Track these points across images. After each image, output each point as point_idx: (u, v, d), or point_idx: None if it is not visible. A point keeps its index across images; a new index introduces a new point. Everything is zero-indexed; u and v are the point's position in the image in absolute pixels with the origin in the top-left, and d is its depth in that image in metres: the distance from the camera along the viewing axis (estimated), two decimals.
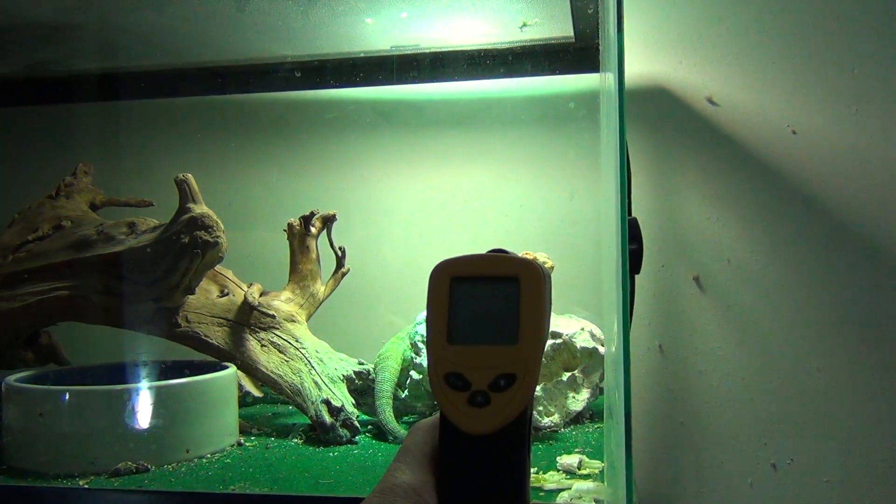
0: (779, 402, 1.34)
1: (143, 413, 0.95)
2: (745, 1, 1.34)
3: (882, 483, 1.30)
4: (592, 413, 1.20)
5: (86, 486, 0.89)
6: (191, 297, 1.16)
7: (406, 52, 1.34)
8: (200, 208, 1.07)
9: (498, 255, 0.46)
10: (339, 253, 1.27)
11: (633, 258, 1.10)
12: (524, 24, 1.23)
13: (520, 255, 1.23)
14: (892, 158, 1.30)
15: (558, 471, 0.92)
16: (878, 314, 1.30)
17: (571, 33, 1.26)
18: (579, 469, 0.92)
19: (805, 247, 1.33)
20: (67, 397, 0.95)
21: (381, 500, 0.43)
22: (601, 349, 1.18)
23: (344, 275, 1.28)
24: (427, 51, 1.33)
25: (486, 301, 0.45)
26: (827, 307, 1.32)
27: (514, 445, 0.43)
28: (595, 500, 0.80)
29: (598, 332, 1.20)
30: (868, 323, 1.30)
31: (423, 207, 1.47)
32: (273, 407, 1.30)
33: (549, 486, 0.86)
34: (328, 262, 1.28)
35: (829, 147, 1.32)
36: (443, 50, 1.34)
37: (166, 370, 1.14)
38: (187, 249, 1.06)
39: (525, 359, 0.43)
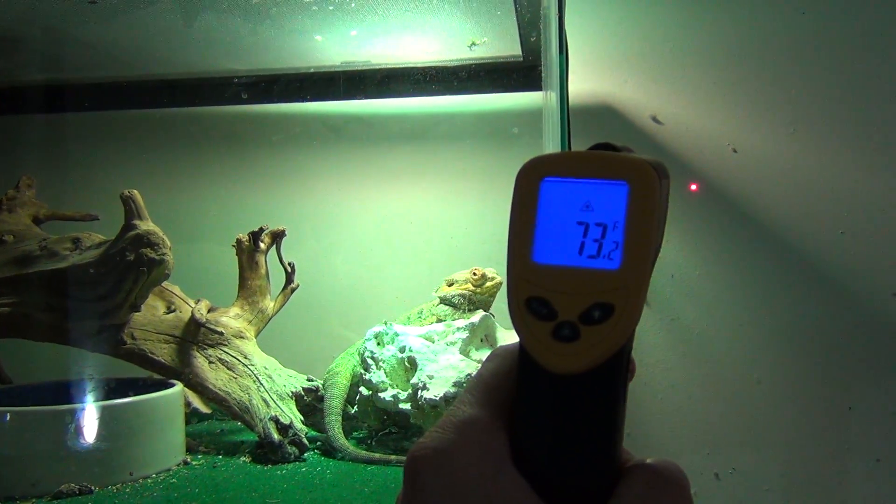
0: (721, 412, 1.37)
1: (87, 434, 0.94)
2: (688, 23, 1.38)
3: (822, 491, 1.34)
4: None
5: None
6: (136, 314, 1.15)
7: (356, 69, 1.34)
8: (146, 225, 1.06)
9: (604, 154, 0.37)
10: (289, 269, 1.27)
11: None
12: (473, 44, 1.25)
13: (464, 273, 1.24)
14: (828, 176, 1.35)
15: None
16: (813, 326, 1.34)
17: (520, 52, 1.29)
18: None
19: (744, 262, 1.37)
20: (8, 418, 0.93)
21: (440, 436, 0.36)
22: None
23: (293, 290, 1.28)
24: (377, 67, 1.34)
25: (585, 211, 0.37)
26: (766, 320, 1.36)
27: (607, 389, 0.36)
28: None
29: None
30: (805, 334, 1.35)
31: (374, 221, 1.47)
32: (221, 423, 1.29)
33: None
34: (278, 278, 1.28)
35: (768, 165, 1.37)
36: (393, 67, 1.35)
37: (112, 388, 1.13)
38: (133, 267, 1.05)
39: (627, 285, 0.35)
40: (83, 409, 0.95)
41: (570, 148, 1.16)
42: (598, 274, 0.36)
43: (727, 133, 1.38)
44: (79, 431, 0.93)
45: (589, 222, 0.36)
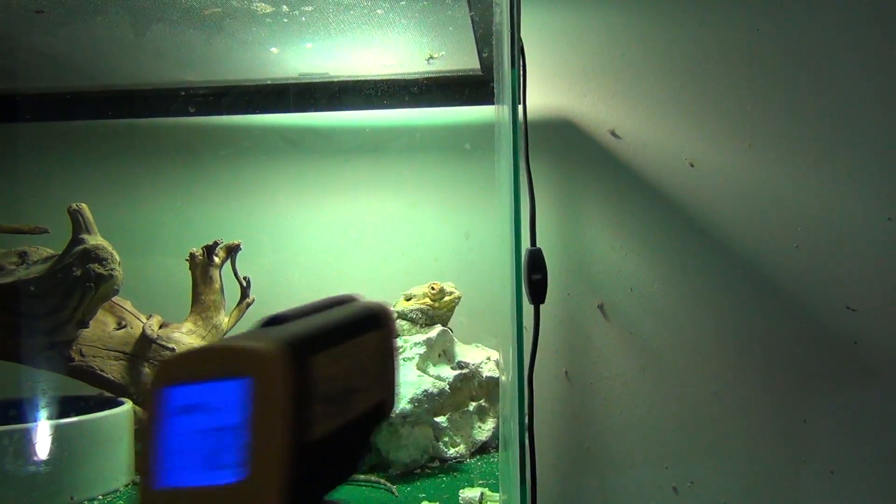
0: (679, 426, 1.38)
1: (26, 455, 0.91)
2: (646, 37, 1.39)
3: (779, 502, 1.35)
4: (498, 443, 1.21)
5: None
6: (86, 330, 1.12)
7: (313, 81, 1.33)
8: (95, 239, 1.04)
9: (224, 347, 0.32)
10: (244, 283, 1.25)
11: (538, 287, 1.12)
12: (430, 57, 1.24)
13: (422, 287, 1.23)
14: (784, 191, 1.36)
15: None
16: (769, 338, 1.36)
17: (478, 66, 1.28)
18: (481, 502, 0.92)
19: (701, 275, 1.38)
20: None
21: None
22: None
23: (249, 305, 1.26)
24: (335, 80, 1.33)
25: (204, 417, 0.31)
26: (723, 333, 1.37)
27: None
28: None
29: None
30: (761, 347, 1.36)
31: (333, 234, 1.46)
32: None
33: None
34: (233, 293, 1.26)
35: (725, 179, 1.38)
36: (351, 79, 1.34)
37: (58, 407, 1.10)
38: (80, 282, 1.02)
39: (258, 498, 0.29)
40: (23, 429, 0.92)
41: (527, 162, 1.16)
42: (220, 492, 0.30)
43: (685, 147, 1.39)
44: (17, 453, 0.90)
45: (209, 429, 0.31)
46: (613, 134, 1.40)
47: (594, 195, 1.40)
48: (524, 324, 0.85)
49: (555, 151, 1.40)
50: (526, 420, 0.77)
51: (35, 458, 0.91)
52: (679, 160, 1.39)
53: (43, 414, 1.07)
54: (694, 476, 1.37)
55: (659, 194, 1.39)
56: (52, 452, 0.93)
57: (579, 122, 1.40)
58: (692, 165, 1.38)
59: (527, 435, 0.77)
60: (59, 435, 0.94)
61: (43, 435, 0.93)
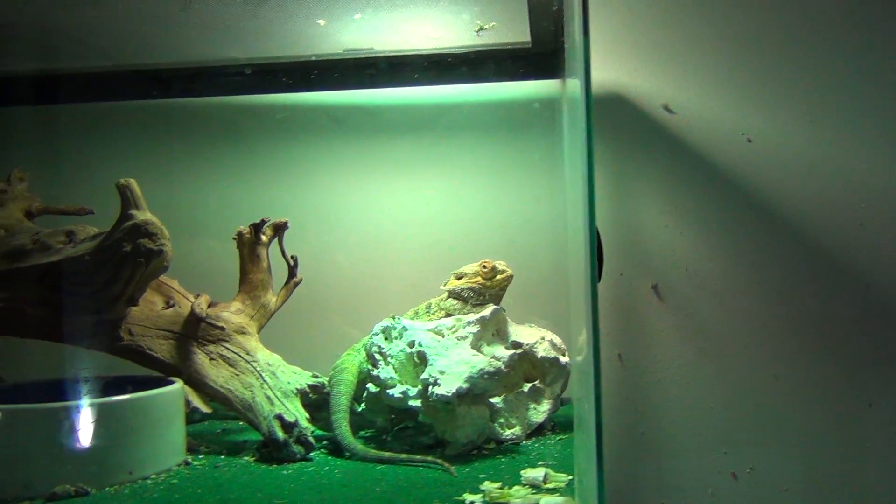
0: (738, 410, 1.33)
1: (83, 432, 0.89)
2: (701, 9, 1.34)
3: (842, 490, 1.30)
4: (554, 424, 1.17)
5: None
6: (134, 308, 1.10)
7: (360, 56, 1.30)
8: (144, 215, 1.01)
9: None
10: (291, 262, 1.23)
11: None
12: (480, 28, 1.21)
13: (473, 266, 1.19)
14: (844, 165, 1.31)
15: (524, 485, 0.89)
16: (833, 319, 1.31)
17: (528, 38, 1.25)
18: (545, 483, 0.89)
19: (761, 254, 1.33)
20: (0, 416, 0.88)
21: None
22: (562, 359, 1.16)
23: (296, 284, 1.23)
24: (381, 54, 1.30)
25: None
26: (783, 314, 1.32)
27: None
28: None
29: (558, 341, 1.18)
30: (824, 328, 1.31)
31: (379, 215, 1.43)
32: (222, 423, 1.25)
33: (516, 501, 0.83)
34: (280, 272, 1.24)
35: (783, 154, 1.33)
36: (398, 54, 1.30)
37: (108, 386, 1.08)
38: (130, 258, 1.00)
39: None
40: (79, 406, 0.91)
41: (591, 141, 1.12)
42: None
43: (741, 122, 1.34)
44: (74, 430, 0.89)
45: None
46: (667, 109, 1.35)
47: (647, 172, 1.36)
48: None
49: (606, 128, 1.36)
50: (602, 403, 0.73)
51: (91, 436, 0.90)
52: (736, 135, 1.34)
53: (94, 393, 1.05)
54: (754, 462, 1.33)
55: (715, 171, 1.35)
56: (107, 430, 0.91)
57: (631, 97, 1.36)
58: (749, 140, 1.34)
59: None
60: (114, 412, 0.92)
61: (99, 412, 0.91)
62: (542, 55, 1.27)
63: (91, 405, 0.92)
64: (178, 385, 1.04)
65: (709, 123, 1.34)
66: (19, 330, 1.11)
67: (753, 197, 1.34)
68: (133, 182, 1.03)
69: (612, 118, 1.35)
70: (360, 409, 1.12)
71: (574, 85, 0.97)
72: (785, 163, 1.33)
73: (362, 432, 1.14)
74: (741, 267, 1.34)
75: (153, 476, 0.95)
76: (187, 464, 1.01)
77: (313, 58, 1.31)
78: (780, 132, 1.33)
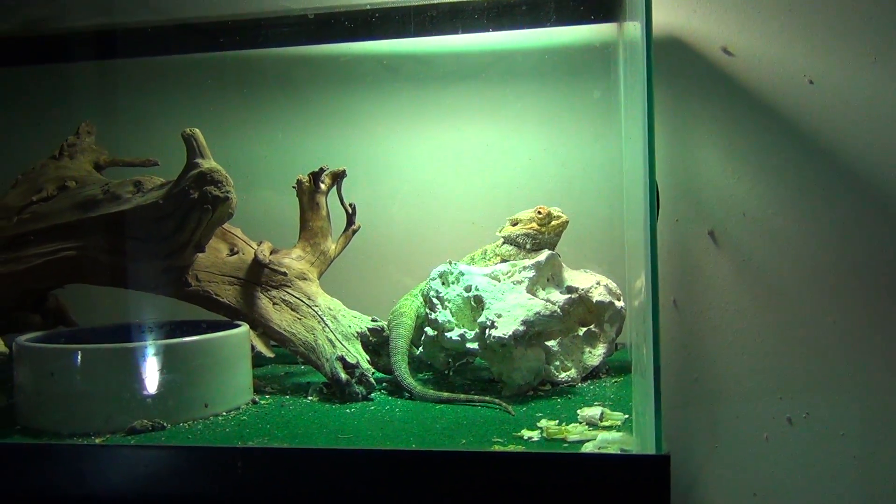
0: (794, 355, 1.33)
1: (159, 371, 0.93)
2: None
3: None
4: (609, 368, 1.19)
5: (101, 444, 0.87)
6: (200, 255, 1.14)
7: (413, 4, 1.30)
8: (209, 163, 1.04)
9: None
10: (350, 210, 1.25)
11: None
12: None
13: (528, 212, 1.19)
14: None
15: (580, 423, 0.91)
16: (893, 265, 1.28)
17: None
18: (601, 421, 0.91)
19: (821, 199, 1.31)
20: (80, 356, 0.93)
21: None
22: (617, 303, 1.17)
23: (355, 232, 1.26)
24: (435, 1, 1.30)
25: None
26: (843, 260, 1.31)
27: None
28: (622, 450, 0.78)
29: (613, 286, 1.19)
30: (884, 275, 1.29)
31: (432, 164, 1.44)
32: (285, 367, 1.29)
33: (573, 437, 0.85)
34: (338, 220, 1.26)
35: (847, 97, 1.30)
36: (449, 0, 1.30)
37: (175, 330, 1.13)
38: (197, 205, 1.03)
39: None
40: (155, 346, 0.95)
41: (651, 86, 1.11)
42: None
43: (803, 64, 1.31)
44: (150, 368, 0.93)
45: None
46: (725, 51, 1.33)
47: (704, 116, 1.34)
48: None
49: (663, 71, 1.34)
50: (665, 348, 0.75)
51: (166, 374, 0.94)
52: (797, 77, 1.31)
53: (167, 335, 1.10)
54: (810, 407, 1.32)
55: (774, 114, 1.32)
56: (181, 369, 0.95)
57: (689, 40, 1.34)
58: (811, 82, 1.31)
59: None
60: (187, 352, 0.97)
61: (172, 352, 0.96)
62: None
63: (167, 345, 0.96)
64: (245, 327, 1.08)
65: (769, 65, 1.32)
66: (92, 277, 1.16)
67: (814, 141, 1.31)
68: (197, 131, 1.06)
69: (670, 61, 1.33)
70: (418, 353, 1.15)
71: (632, 28, 0.96)
72: (848, 105, 1.30)
73: (420, 374, 1.17)
74: (800, 212, 1.32)
75: (223, 413, 0.99)
76: (255, 403, 1.05)
77: (367, 6, 1.31)
78: (844, 73, 1.30)
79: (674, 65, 1.33)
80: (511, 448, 0.81)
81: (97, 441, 0.88)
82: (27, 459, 0.85)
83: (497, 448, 0.81)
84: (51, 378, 0.93)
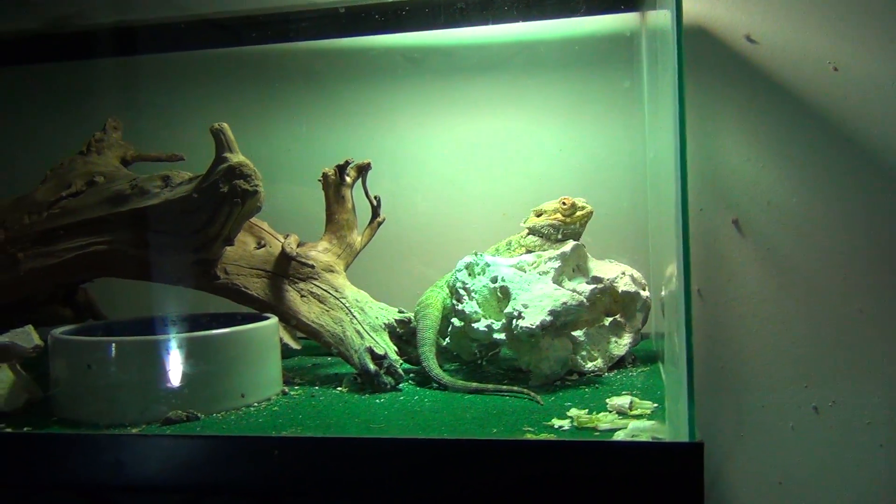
0: (820, 344, 1.32)
1: (193, 362, 0.95)
2: None
3: None
4: (635, 357, 1.19)
5: (138, 433, 0.89)
6: (228, 249, 1.15)
7: None
8: (238, 157, 1.05)
9: None
10: (375, 202, 1.26)
11: None
12: None
13: (553, 203, 1.20)
14: None
15: (610, 412, 0.91)
16: None
17: None
18: (631, 410, 0.91)
19: (846, 187, 1.30)
20: (117, 348, 0.94)
21: None
22: (643, 293, 1.17)
23: (380, 224, 1.27)
24: None
25: None
26: (868, 247, 1.30)
27: None
28: (654, 437, 0.79)
29: (638, 276, 1.19)
30: None
31: (455, 156, 1.45)
32: (312, 359, 1.30)
33: (604, 425, 0.86)
34: (362, 213, 1.27)
35: (872, 84, 1.29)
36: None
37: (204, 323, 1.14)
38: (227, 199, 1.04)
39: None
40: (189, 338, 0.97)
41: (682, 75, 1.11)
42: None
43: (827, 51, 1.30)
44: (186, 360, 0.95)
45: None
46: (749, 38, 1.32)
47: (728, 104, 1.33)
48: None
49: (687, 59, 1.31)
50: (693, 338, 0.75)
51: (200, 365, 0.96)
52: (821, 64, 1.30)
53: (198, 328, 1.11)
54: (836, 396, 1.32)
55: (799, 101, 1.31)
56: (214, 360, 0.97)
57: (711, 27, 1.33)
58: (836, 69, 1.30)
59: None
60: (218, 344, 0.98)
61: (204, 344, 0.97)
62: None
63: (201, 337, 0.98)
64: (274, 320, 1.09)
65: (793, 53, 1.31)
66: (121, 271, 1.18)
67: (840, 128, 1.30)
68: (226, 126, 1.07)
69: (694, 50, 1.33)
70: (445, 343, 1.16)
71: (656, 17, 0.96)
72: (873, 92, 1.29)
73: (447, 365, 1.18)
74: (825, 200, 1.31)
75: (256, 404, 1.00)
76: (285, 394, 1.06)
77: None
78: (868, 60, 1.29)
79: (697, 53, 1.33)
80: (543, 437, 0.82)
81: (133, 431, 0.90)
82: (66, 449, 0.86)
83: (529, 437, 0.82)
84: (88, 370, 0.95)
